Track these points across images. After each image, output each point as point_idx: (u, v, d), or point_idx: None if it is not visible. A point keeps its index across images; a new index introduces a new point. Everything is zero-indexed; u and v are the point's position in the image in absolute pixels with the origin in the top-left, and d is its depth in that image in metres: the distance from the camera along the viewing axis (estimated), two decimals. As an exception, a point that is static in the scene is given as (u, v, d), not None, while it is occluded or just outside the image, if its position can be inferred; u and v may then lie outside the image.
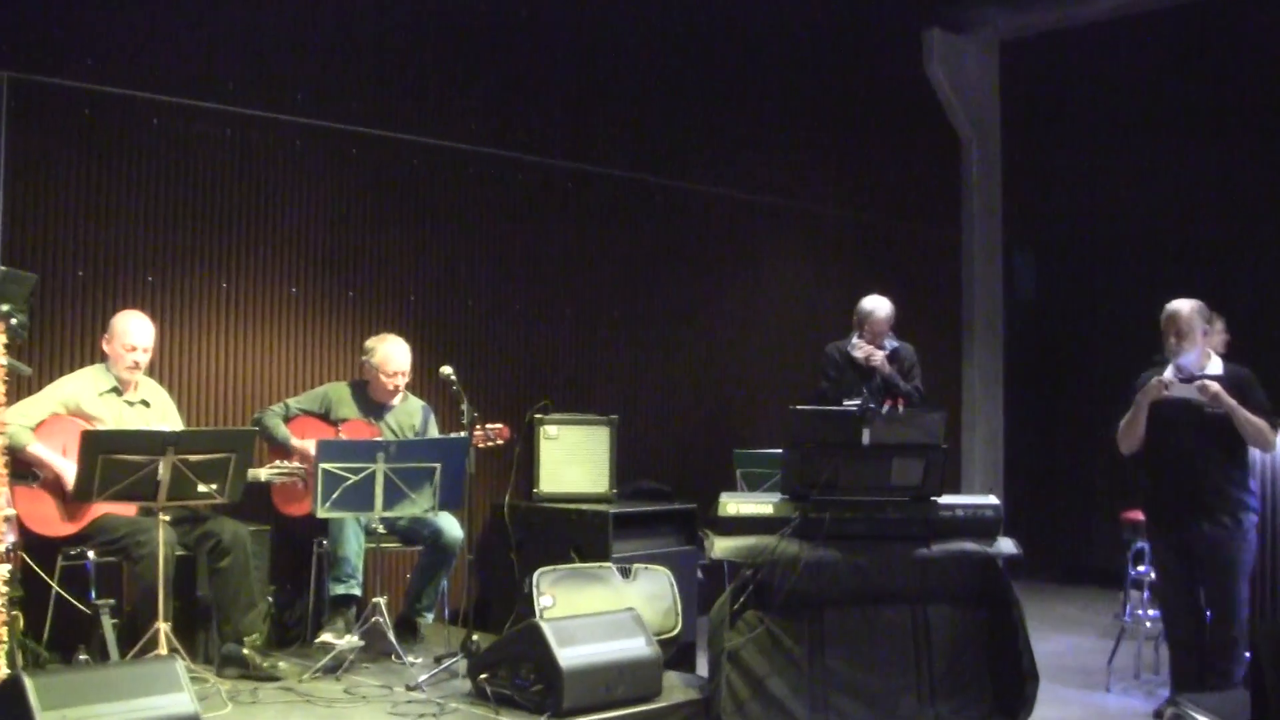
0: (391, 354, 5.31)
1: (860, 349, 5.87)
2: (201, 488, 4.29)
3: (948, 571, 4.58)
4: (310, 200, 5.73)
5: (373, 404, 5.38)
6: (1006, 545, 4.61)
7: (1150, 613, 5.60)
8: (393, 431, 5.37)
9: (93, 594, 4.43)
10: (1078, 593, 7.94)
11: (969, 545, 4.55)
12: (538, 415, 5.92)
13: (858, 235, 8.11)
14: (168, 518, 4.39)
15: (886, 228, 8.29)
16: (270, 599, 5.04)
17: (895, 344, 5.98)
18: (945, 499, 4.61)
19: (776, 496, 4.61)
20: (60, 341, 5.03)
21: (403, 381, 5.33)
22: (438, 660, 4.79)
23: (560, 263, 6.63)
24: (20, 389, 4.65)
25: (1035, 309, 9.02)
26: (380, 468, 4.59)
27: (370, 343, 5.40)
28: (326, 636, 4.79)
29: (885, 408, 4.62)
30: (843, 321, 6.22)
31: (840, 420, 4.55)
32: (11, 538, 3.72)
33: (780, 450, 4.74)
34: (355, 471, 4.56)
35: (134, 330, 4.73)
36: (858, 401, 4.80)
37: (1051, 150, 8.78)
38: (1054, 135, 8.75)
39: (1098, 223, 8.60)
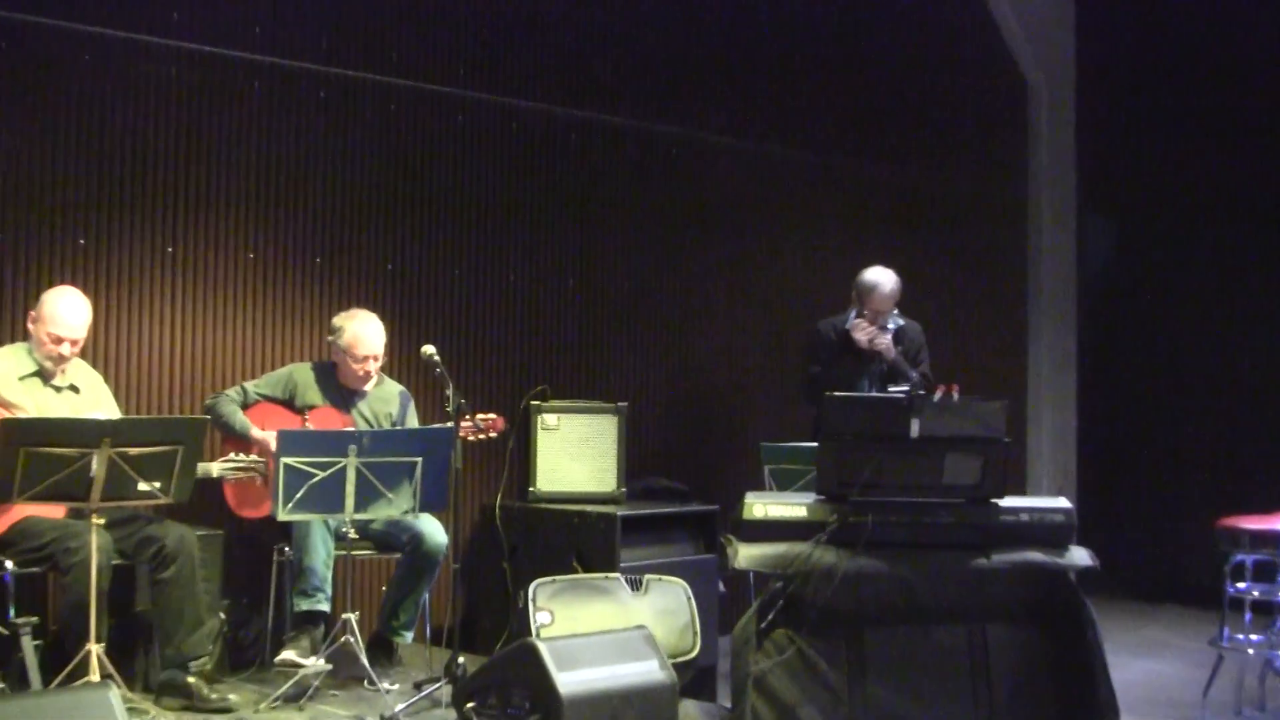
0: (362, 334, 5.29)
1: (862, 330, 5.85)
2: (142, 486, 4.28)
3: (1010, 586, 4.54)
4: (270, 152, 5.71)
5: (343, 389, 5.38)
6: (1080, 555, 4.57)
7: (1254, 637, 5.52)
8: (366, 421, 5.37)
9: (11, 612, 4.41)
10: (1165, 612, 7.91)
11: (1035, 555, 4.52)
12: (534, 402, 5.91)
13: (907, 196, 8.08)
14: (102, 521, 4.37)
15: (940, 188, 8.24)
16: (222, 615, 5.03)
17: (899, 322, 5.99)
18: (1007, 501, 4.59)
19: (811, 497, 4.59)
20: (-25, 314, 5.03)
21: (374, 366, 5.33)
22: (417, 686, 4.79)
23: (562, 227, 6.60)
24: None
25: (1113, 282, 8.97)
26: (352, 462, 4.59)
27: (338, 320, 5.37)
28: (289, 654, 4.79)
29: (938, 394, 4.55)
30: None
31: (884, 409, 4.52)
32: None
33: (815, 444, 4.73)
34: (323, 467, 4.57)
35: (64, 318, 4.70)
36: (905, 387, 4.73)
37: (1134, 99, 8.72)
38: (1137, 81, 8.69)
39: (1187, 183, 8.53)
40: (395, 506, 4.70)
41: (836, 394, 4.77)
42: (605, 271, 6.77)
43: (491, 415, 5.46)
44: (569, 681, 4.05)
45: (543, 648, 4.12)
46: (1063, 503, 4.66)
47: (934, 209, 8.19)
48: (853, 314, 5.95)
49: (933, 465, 4.48)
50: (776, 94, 7.47)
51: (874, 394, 5.26)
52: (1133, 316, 8.86)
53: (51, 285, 4.92)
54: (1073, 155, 8.87)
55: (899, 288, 5.93)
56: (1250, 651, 5.56)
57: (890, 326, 5.92)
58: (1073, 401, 8.83)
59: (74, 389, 4.80)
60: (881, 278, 5.93)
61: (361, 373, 5.30)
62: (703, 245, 7.14)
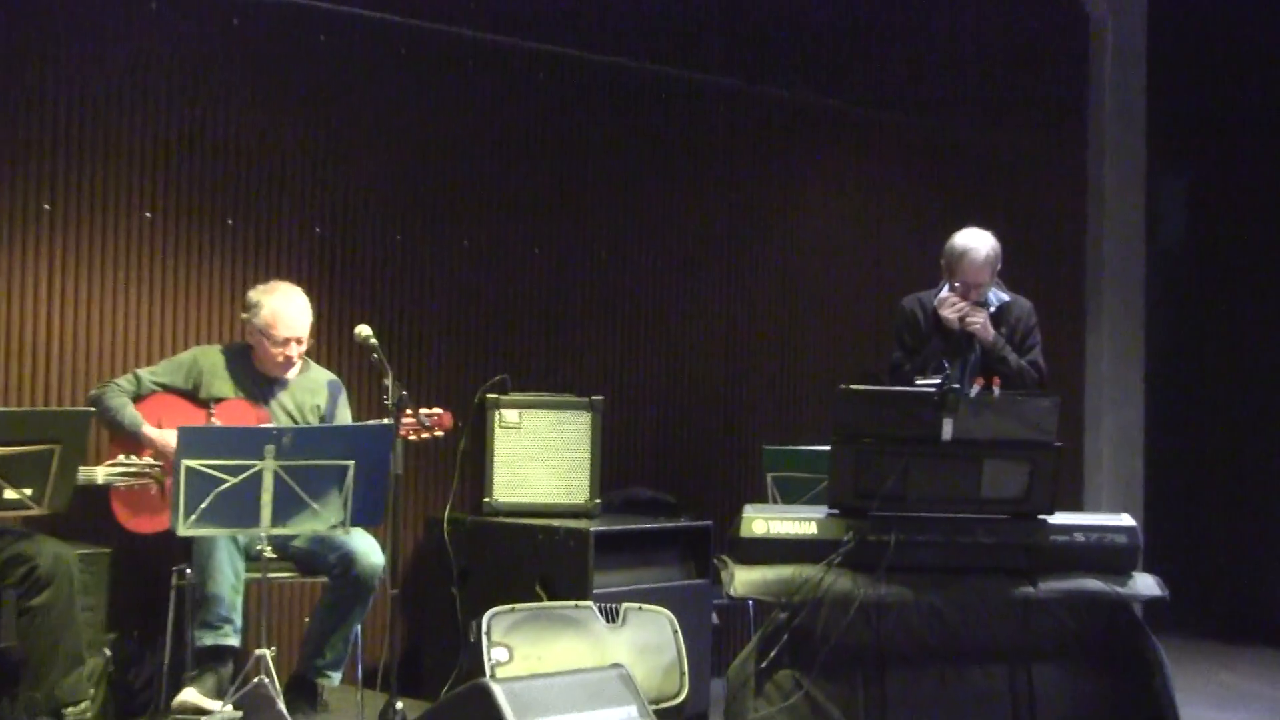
0: (282, 311, 5.28)
1: (951, 306, 5.70)
2: (9, 494, 4.27)
3: (1061, 619, 4.58)
4: (172, 92, 5.69)
5: (259, 377, 5.38)
6: (1145, 584, 4.62)
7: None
8: (289, 415, 5.37)
9: None
10: (1248, 655, 7.96)
11: (1092, 583, 4.56)
12: (491, 395, 5.90)
13: (942, 151, 8.08)
14: (-43, 536, 4.38)
15: (983, 142, 8.26)
16: (107, 652, 5.01)
17: (1004, 297, 5.83)
18: (1059, 518, 4.62)
19: (822, 511, 4.61)
20: None
21: (297, 350, 5.33)
22: (346, 737, 4.80)
23: (527, 181, 6.59)
24: None
25: (1190, 257, 8.97)
26: (269, 466, 4.55)
27: (254, 295, 5.37)
28: (190, 698, 4.77)
29: (974, 388, 4.55)
30: (915, 269, 6.16)
31: (911, 406, 4.52)
32: None
33: (827, 447, 4.71)
34: (233, 471, 4.52)
35: None
36: (936, 380, 4.71)
37: (1217, 40, 8.72)
38: (1221, 19, 8.68)
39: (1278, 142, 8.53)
40: (321, 520, 4.67)
41: (853, 387, 4.77)
42: (581, 237, 6.76)
43: (438, 410, 5.43)
44: (529, 731, 4.05)
45: (498, 691, 4.09)
46: (1125, 520, 4.71)
47: (976, 167, 8.20)
48: (944, 288, 5.78)
49: (969, 474, 4.51)
50: (790, 30, 7.46)
51: (898, 388, 5.21)
52: (1212, 299, 8.89)
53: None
54: (1142, 105, 8.86)
55: (997, 254, 5.71)
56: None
57: (992, 302, 5.76)
58: (1139, 399, 8.85)
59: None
60: (974, 241, 5.69)
61: (281, 358, 5.28)
62: (698, 207, 7.13)
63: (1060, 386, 7.97)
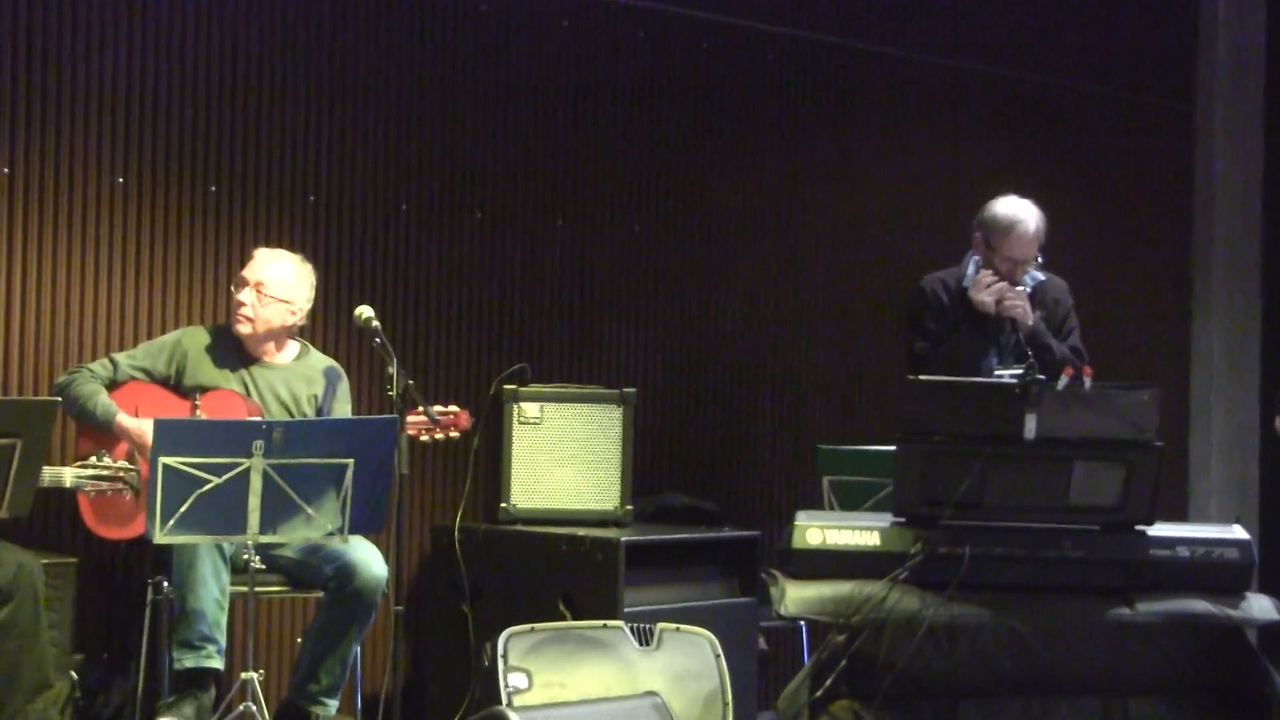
0: (257, 259, 5.38)
1: (986, 288, 5.69)
2: (-35, 496, 4.31)
3: (1162, 645, 4.58)
4: (145, 38, 5.70)
5: (243, 356, 5.41)
6: (1260, 606, 4.58)
7: None
8: (281, 405, 5.39)
9: None
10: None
11: (1198, 605, 4.53)
12: (509, 386, 5.91)
13: (1026, 109, 8.07)
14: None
15: (1070, 96, 8.24)
16: (74, 675, 5.02)
17: (1038, 276, 5.80)
18: (1160, 529, 4.60)
19: (886, 519, 4.61)
20: None
21: (252, 299, 5.33)
22: (343, 773, 4.84)
23: (546, 142, 6.60)
24: None
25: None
26: (257, 465, 4.56)
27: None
28: (167, 728, 4.82)
29: (1063, 380, 4.54)
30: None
31: (988, 399, 4.52)
32: None
33: (892, 447, 4.72)
34: (217, 470, 4.53)
35: None
36: (1018, 369, 4.71)
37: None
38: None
39: None
40: (316, 526, 4.68)
41: (923, 378, 4.77)
42: (609, 208, 6.76)
43: (454, 408, 5.46)
44: (551, 767, 4.08)
45: (516, 720, 4.12)
46: (1237, 533, 4.68)
47: (1063, 127, 8.18)
48: (972, 265, 5.76)
49: (1056, 478, 4.50)
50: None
51: (975, 379, 5.19)
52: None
53: None
54: (1261, 49, 8.80)
55: (1044, 227, 5.69)
56: None
57: (1027, 282, 5.74)
58: (1254, 397, 8.78)
59: None
60: (1022, 212, 5.66)
61: (236, 305, 5.33)
62: (745, 172, 7.13)
63: (1162, 379, 7.96)
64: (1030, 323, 5.64)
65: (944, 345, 5.70)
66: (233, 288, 5.38)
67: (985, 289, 5.63)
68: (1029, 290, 5.72)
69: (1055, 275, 5.88)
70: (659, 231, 6.90)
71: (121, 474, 4.98)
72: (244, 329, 5.35)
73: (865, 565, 4.47)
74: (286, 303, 5.36)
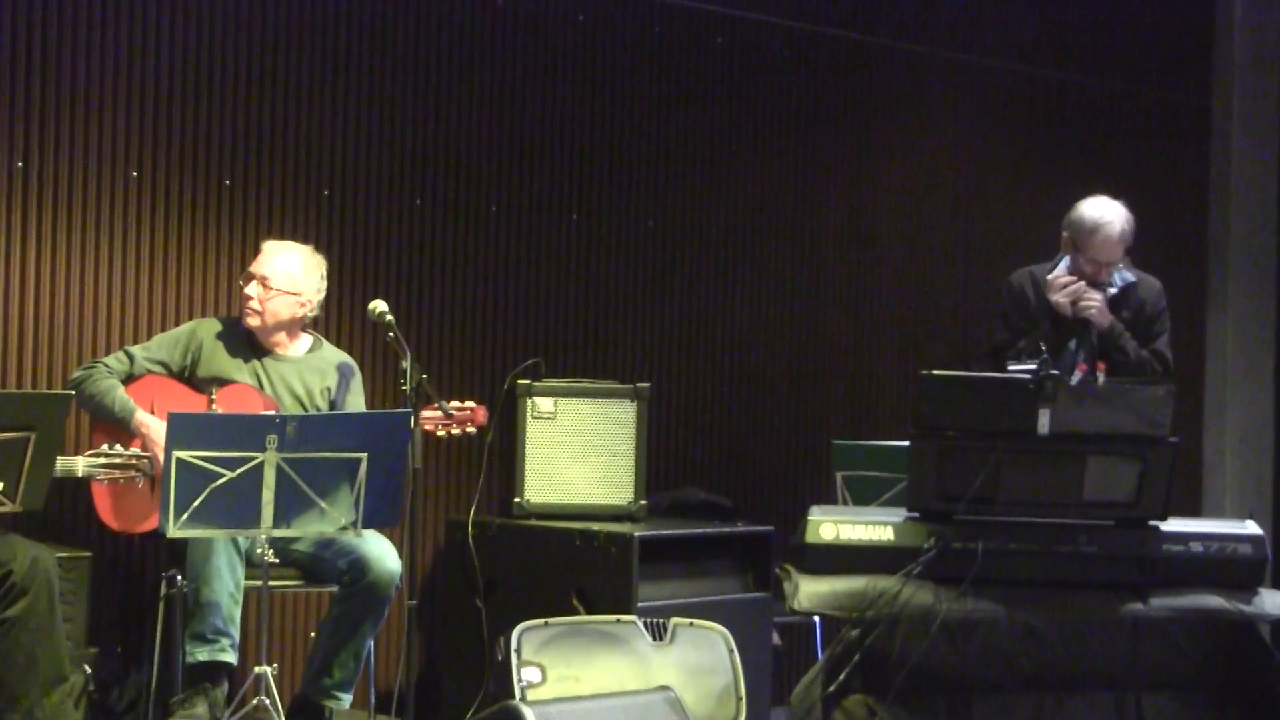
0: (265, 250, 5.37)
1: (1061, 288, 5.66)
2: (-23, 489, 4.31)
3: (1175, 641, 4.56)
4: (159, 31, 5.70)
5: (255, 348, 5.41)
6: (1274, 602, 4.59)
7: None
8: (295, 399, 5.39)
9: None
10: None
11: (1212, 600, 4.53)
12: (523, 381, 5.91)
13: (1041, 104, 8.06)
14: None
15: (1086, 92, 8.22)
16: (87, 668, 5.01)
17: (1129, 277, 5.78)
18: (1173, 525, 4.60)
19: (900, 514, 4.62)
20: None
21: (257, 292, 5.32)
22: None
23: (561, 135, 6.60)
24: None
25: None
26: (271, 459, 4.56)
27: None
28: (182, 721, 4.83)
29: (1076, 375, 4.54)
30: (1009, 240, 6.11)
31: (1003, 394, 4.52)
32: None
33: (905, 442, 4.73)
34: (231, 464, 4.53)
35: None
36: (1032, 364, 4.70)
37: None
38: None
39: None
40: (330, 521, 4.68)
41: (935, 373, 4.77)
42: (624, 202, 6.76)
43: (470, 404, 5.46)
44: (565, 762, 4.09)
45: (529, 716, 4.12)
46: (1251, 529, 4.68)
47: (1081, 119, 8.16)
48: (1063, 263, 5.74)
49: (1070, 473, 4.51)
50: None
51: (989, 373, 5.18)
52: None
53: None
54: (1279, 45, 8.79)
55: (1131, 229, 5.64)
56: None
57: (1117, 282, 5.72)
58: (1269, 393, 8.79)
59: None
60: (1107, 214, 5.61)
61: (244, 299, 5.33)
62: (762, 167, 7.12)
63: (1177, 375, 7.93)
64: (1106, 323, 5.62)
65: (1025, 339, 5.67)
66: (240, 282, 5.40)
67: (1061, 290, 5.64)
68: (1117, 291, 5.71)
69: (1150, 276, 5.86)
70: (673, 226, 6.89)
71: (133, 460, 4.96)
72: (253, 322, 5.36)
73: (879, 560, 4.48)
74: (294, 295, 5.36)
